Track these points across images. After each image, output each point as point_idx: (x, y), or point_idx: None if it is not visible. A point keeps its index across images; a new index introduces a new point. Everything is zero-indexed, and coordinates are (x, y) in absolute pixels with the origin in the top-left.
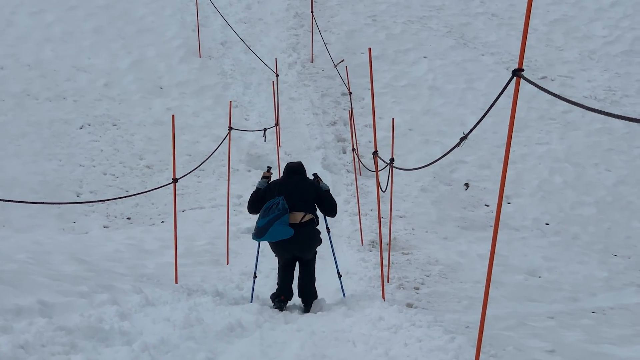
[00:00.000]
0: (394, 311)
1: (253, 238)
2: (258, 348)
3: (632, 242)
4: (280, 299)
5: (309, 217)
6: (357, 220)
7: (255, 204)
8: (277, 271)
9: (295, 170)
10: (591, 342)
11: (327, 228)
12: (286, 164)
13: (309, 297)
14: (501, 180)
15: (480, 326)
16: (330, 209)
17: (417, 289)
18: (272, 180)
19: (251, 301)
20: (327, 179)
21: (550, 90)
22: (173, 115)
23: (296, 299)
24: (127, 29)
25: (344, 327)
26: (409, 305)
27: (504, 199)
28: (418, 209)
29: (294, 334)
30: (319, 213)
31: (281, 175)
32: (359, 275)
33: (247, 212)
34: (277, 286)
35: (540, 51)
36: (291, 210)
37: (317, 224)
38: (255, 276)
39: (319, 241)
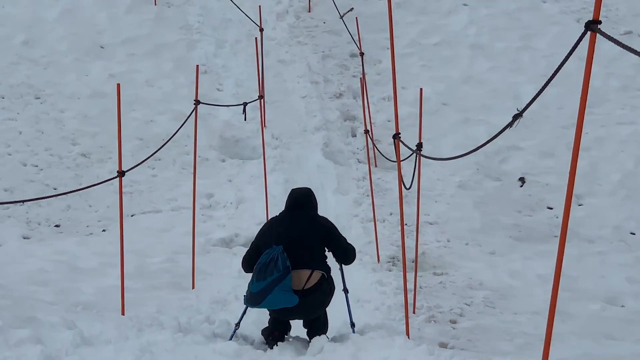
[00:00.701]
0: (423, 353)
1: (245, 303)
2: None
3: None
4: (274, 335)
5: (316, 277)
6: (371, 228)
7: (251, 260)
8: None
9: (297, 203)
10: None
11: (345, 288)
12: (290, 191)
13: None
14: (570, 173)
15: None
16: (345, 257)
17: (453, 322)
18: (271, 217)
19: (230, 339)
20: (330, 172)
21: (638, 50)
22: (118, 85)
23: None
24: None
25: None
26: (443, 345)
27: (573, 199)
28: (455, 213)
29: None
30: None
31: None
32: (375, 303)
33: (221, 221)
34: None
35: None
36: (293, 266)
37: (328, 276)
38: (237, 326)
39: (331, 296)
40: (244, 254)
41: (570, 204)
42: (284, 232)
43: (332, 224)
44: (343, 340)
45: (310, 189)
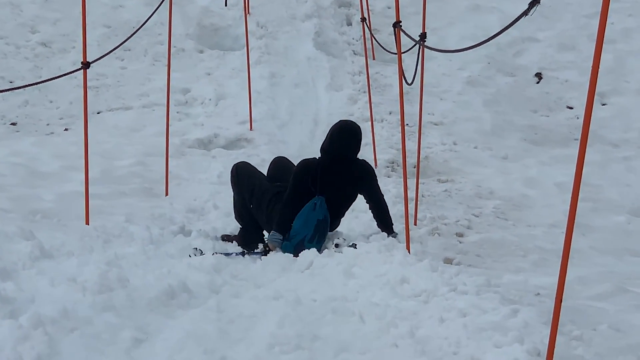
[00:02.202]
0: (425, 269)
1: (282, 247)
2: (213, 325)
3: None
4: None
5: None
6: (368, 129)
7: (294, 210)
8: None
9: (343, 153)
10: None
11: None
12: (338, 130)
13: None
14: (592, 68)
15: (558, 293)
16: (380, 211)
17: (460, 235)
18: (306, 159)
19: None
20: (322, 65)
21: None
22: None
23: None
24: None
25: (346, 293)
26: (448, 261)
27: (596, 98)
28: (463, 113)
29: (269, 303)
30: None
31: (325, 140)
32: (370, 214)
33: (198, 119)
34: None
35: None
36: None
37: None
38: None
39: None
40: (282, 200)
41: (592, 102)
42: (328, 183)
43: (375, 177)
44: (334, 254)
45: (358, 131)
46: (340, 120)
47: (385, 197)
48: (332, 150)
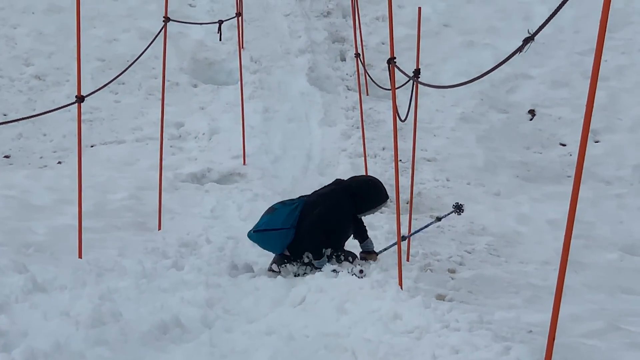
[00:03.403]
0: (417, 305)
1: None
2: (206, 359)
3: None
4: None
5: None
6: (361, 164)
7: None
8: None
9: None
10: None
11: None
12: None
13: None
14: (587, 105)
15: (551, 331)
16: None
17: (452, 272)
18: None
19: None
20: (315, 100)
21: None
22: None
23: None
24: None
25: (339, 329)
26: (440, 297)
27: (589, 134)
28: (456, 149)
29: (262, 338)
30: None
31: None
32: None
33: (192, 153)
34: None
35: None
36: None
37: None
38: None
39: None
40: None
41: (586, 140)
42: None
43: (327, 211)
44: (327, 288)
45: (381, 192)
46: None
47: (378, 233)
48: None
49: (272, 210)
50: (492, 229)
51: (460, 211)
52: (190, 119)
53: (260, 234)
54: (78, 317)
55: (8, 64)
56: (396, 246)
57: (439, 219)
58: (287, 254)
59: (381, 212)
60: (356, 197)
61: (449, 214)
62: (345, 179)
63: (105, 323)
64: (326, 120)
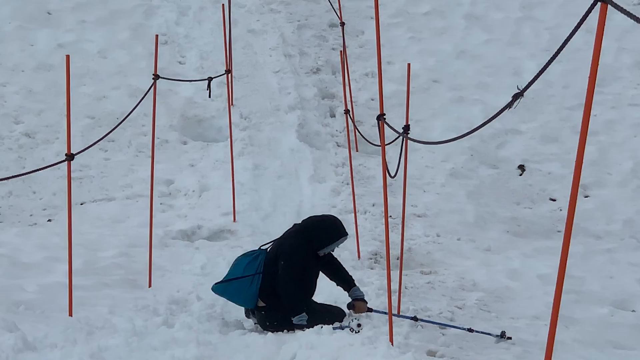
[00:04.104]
0: None
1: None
2: None
3: None
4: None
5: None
6: (351, 221)
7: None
8: None
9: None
10: None
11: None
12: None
13: None
14: (576, 161)
15: None
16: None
17: (443, 328)
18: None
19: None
20: (305, 156)
21: None
22: (68, 56)
23: None
24: None
25: None
26: (431, 353)
27: (579, 190)
28: (446, 205)
29: None
30: None
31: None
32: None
33: (182, 211)
34: None
35: None
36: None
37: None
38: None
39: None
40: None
41: (576, 195)
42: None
43: (288, 259)
44: (318, 345)
45: (333, 225)
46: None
47: (368, 289)
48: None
49: (235, 263)
50: (482, 284)
51: (502, 339)
52: (180, 176)
53: (222, 285)
54: None
55: None
56: (386, 303)
57: (470, 330)
58: (262, 304)
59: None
60: (311, 236)
61: (486, 334)
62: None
63: None
64: (316, 176)
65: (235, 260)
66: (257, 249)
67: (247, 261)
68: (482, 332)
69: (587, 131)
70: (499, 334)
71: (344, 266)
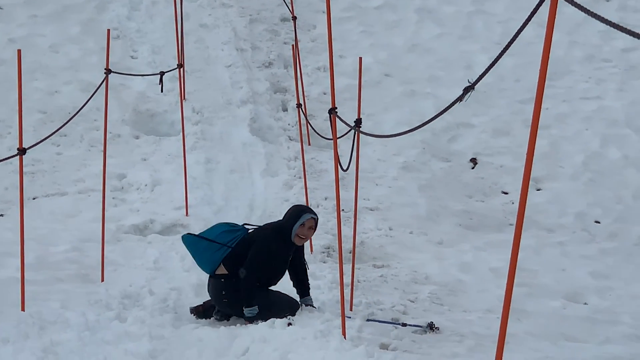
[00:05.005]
0: (360, 355)
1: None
2: None
3: None
4: (197, 310)
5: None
6: None
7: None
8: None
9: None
10: None
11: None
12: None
13: None
14: (527, 154)
15: None
16: None
17: (396, 320)
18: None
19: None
20: (258, 150)
21: (604, 17)
22: (19, 51)
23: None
24: None
25: None
26: (384, 347)
27: (531, 183)
28: (398, 199)
29: None
30: None
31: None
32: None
33: (134, 205)
34: None
35: None
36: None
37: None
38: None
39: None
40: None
41: (527, 188)
42: None
43: (259, 242)
44: (271, 339)
45: (296, 207)
46: None
47: (321, 283)
48: None
49: (214, 226)
50: (435, 277)
51: (430, 330)
52: (133, 170)
53: (193, 239)
54: None
55: None
56: (338, 297)
57: (404, 324)
58: (223, 272)
59: (311, 227)
60: (282, 224)
61: (417, 326)
62: None
63: None
64: (268, 170)
65: (216, 224)
66: (240, 225)
67: (224, 229)
68: (412, 325)
69: (538, 124)
70: (427, 325)
71: (307, 274)
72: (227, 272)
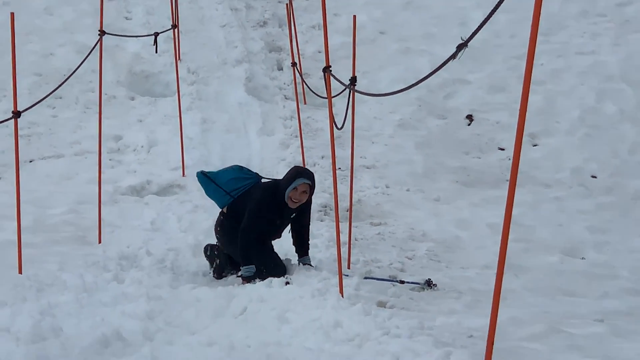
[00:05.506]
0: (358, 313)
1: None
2: None
3: None
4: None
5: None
6: None
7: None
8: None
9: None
10: None
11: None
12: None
13: None
14: (520, 109)
15: (490, 335)
16: None
17: (393, 278)
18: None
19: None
20: (253, 110)
21: None
22: (12, 14)
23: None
24: None
25: (280, 338)
26: (381, 304)
27: (527, 139)
28: (395, 156)
29: (203, 349)
30: None
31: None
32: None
33: (131, 166)
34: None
35: None
36: None
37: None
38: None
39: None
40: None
41: (520, 143)
42: None
43: (252, 203)
44: (268, 298)
45: (295, 170)
46: None
47: (318, 241)
48: None
49: (229, 168)
50: (432, 234)
51: (428, 287)
52: (129, 131)
53: (205, 180)
54: (18, 333)
55: None
56: (335, 255)
57: (402, 282)
58: (224, 212)
59: (304, 192)
60: (278, 182)
61: (415, 283)
62: None
63: (46, 339)
64: (264, 130)
65: (232, 166)
66: (254, 173)
67: (235, 176)
68: (410, 282)
69: (531, 80)
70: (425, 282)
71: (308, 235)
72: (227, 213)
